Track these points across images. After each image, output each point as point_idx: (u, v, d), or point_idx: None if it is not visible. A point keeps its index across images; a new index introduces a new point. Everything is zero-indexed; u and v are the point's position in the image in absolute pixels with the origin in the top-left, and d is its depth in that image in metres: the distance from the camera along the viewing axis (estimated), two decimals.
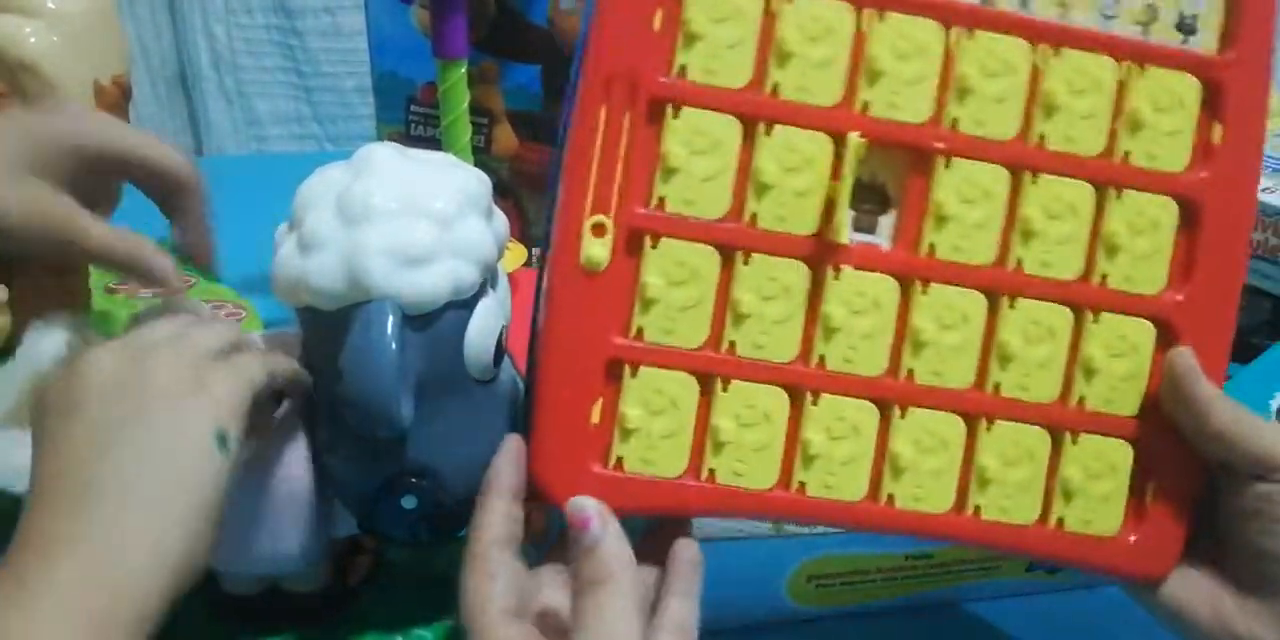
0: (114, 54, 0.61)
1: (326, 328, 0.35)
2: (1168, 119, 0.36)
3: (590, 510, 0.32)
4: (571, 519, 0.32)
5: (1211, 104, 0.37)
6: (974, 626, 0.47)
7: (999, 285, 0.36)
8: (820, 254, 0.35)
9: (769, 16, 0.34)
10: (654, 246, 0.34)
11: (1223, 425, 0.35)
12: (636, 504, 0.35)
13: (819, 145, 0.35)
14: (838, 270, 0.35)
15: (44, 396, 0.31)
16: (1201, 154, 0.37)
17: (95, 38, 0.60)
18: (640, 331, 0.35)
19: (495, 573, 0.31)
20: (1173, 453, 0.37)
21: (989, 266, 0.36)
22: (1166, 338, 0.37)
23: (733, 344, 0.35)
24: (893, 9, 0.35)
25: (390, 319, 0.33)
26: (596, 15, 0.34)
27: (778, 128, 0.35)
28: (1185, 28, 0.37)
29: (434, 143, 0.68)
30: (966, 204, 0.36)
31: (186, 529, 0.30)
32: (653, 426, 0.35)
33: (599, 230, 0.34)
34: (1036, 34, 0.36)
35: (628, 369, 0.35)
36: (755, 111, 0.34)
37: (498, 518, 0.33)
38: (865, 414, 0.36)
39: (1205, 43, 0.37)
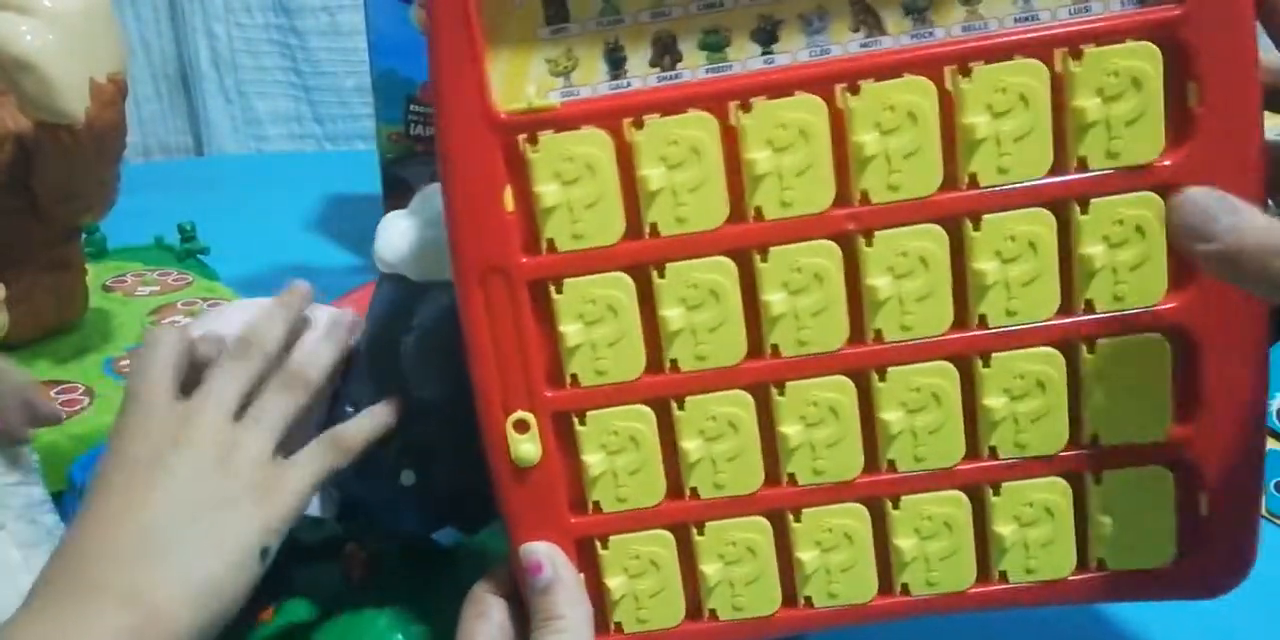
0: (111, 52, 0.61)
1: (407, 295, 0.38)
2: (1122, 105, 0.31)
3: (541, 555, 0.34)
4: (525, 563, 0.34)
5: (1177, 67, 0.31)
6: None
7: (965, 350, 0.33)
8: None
9: (624, 151, 0.32)
10: (583, 423, 0.34)
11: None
12: None
13: (719, 271, 0.33)
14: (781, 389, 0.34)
15: (136, 423, 0.35)
16: (1177, 129, 0.32)
17: (92, 36, 0.59)
18: (597, 505, 0.34)
19: (487, 613, 0.34)
20: (1222, 456, 0.34)
21: (946, 334, 0.33)
22: (1185, 347, 0.33)
23: (695, 490, 0.35)
24: (758, 95, 0.32)
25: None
26: (449, 213, 0.33)
27: (670, 267, 0.32)
28: None
29: (432, 141, 0.67)
30: (901, 278, 0.32)
31: (208, 619, 0.33)
32: (638, 588, 0.35)
33: (522, 427, 0.34)
34: (935, 61, 0.31)
35: (597, 543, 0.35)
36: (639, 259, 0.33)
37: (502, 574, 0.36)
38: (853, 518, 0.35)
39: None
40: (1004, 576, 0.35)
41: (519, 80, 0.32)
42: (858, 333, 0.33)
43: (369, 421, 0.38)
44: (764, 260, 0.33)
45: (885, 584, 0.35)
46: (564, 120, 0.32)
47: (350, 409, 0.39)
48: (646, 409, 0.34)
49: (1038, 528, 0.35)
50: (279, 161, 1.18)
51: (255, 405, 0.36)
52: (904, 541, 0.35)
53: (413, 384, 0.38)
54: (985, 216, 0.32)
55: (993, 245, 0.32)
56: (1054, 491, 0.35)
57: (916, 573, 0.35)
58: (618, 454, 0.34)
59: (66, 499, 0.47)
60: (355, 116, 1.20)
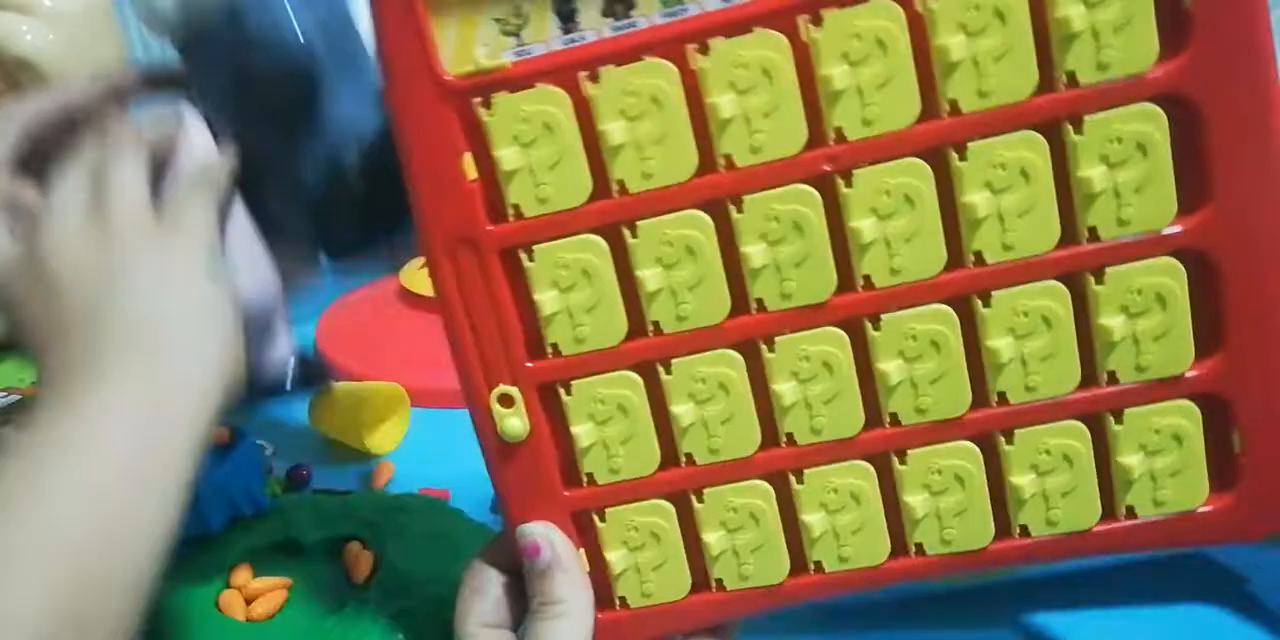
0: (110, 51, 0.61)
1: (216, 30, 0.35)
2: (1109, 9, 0.29)
3: (539, 536, 0.33)
4: (522, 545, 0.33)
5: None
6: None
7: (963, 290, 0.31)
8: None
9: (583, 107, 0.31)
10: (569, 393, 0.33)
11: None
12: (656, 632, 0.35)
13: (694, 226, 0.31)
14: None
15: (12, 277, 0.33)
16: (1172, 32, 0.29)
17: (92, 35, 0.60)
18: (590, 477, 0.33)
19: (483, 589, 0.33)
20: (1253, 388, 0.32)
21: (940, 275, 0.31)
22: (1202, 271, 0.31)
23: (690, 456, 0.33)
24: (716, 35, 0.30)
25: None
26: (411, 186, 0.31)
27: (641, 225, 0.31)
28: None
29: None
30: (886, 219, 0.31)
31: (217, 349, 0.32)
32: (640, 561, 0.34)
33: (506, 401, 0.33)
34: None
35: (594, 516, 0.34)
36: (609, 219, 0.31)
37: (500, 548, 0.35)
38: (858, 477, 0.33)
39: None
40: (1025, 531, 0.33)
41: (469, 44, 0.31)
42: (845, 280, 0.32)
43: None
44: (739, 211, 0.31)
45: (898, 545, 0.34)
46: (516, 79, 0.31)
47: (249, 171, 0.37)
48: (633, 375, 0.33)
49: (1057, 476, 0.33)
50: None
51: (96, 172, 0.34)
52: (914, 498, 0.33)
53: (280, 54, 0.35)
54: (970, 145, 0.30)
55: (981, 176, 0.30)
56: (1072, 436, 0.32)
57: (930, 531, 0.33)
58: (607, 423, 0.33)
59: None
60: None
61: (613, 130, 0.30)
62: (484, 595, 0.33)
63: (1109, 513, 0.33)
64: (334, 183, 0.37)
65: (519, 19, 0.31)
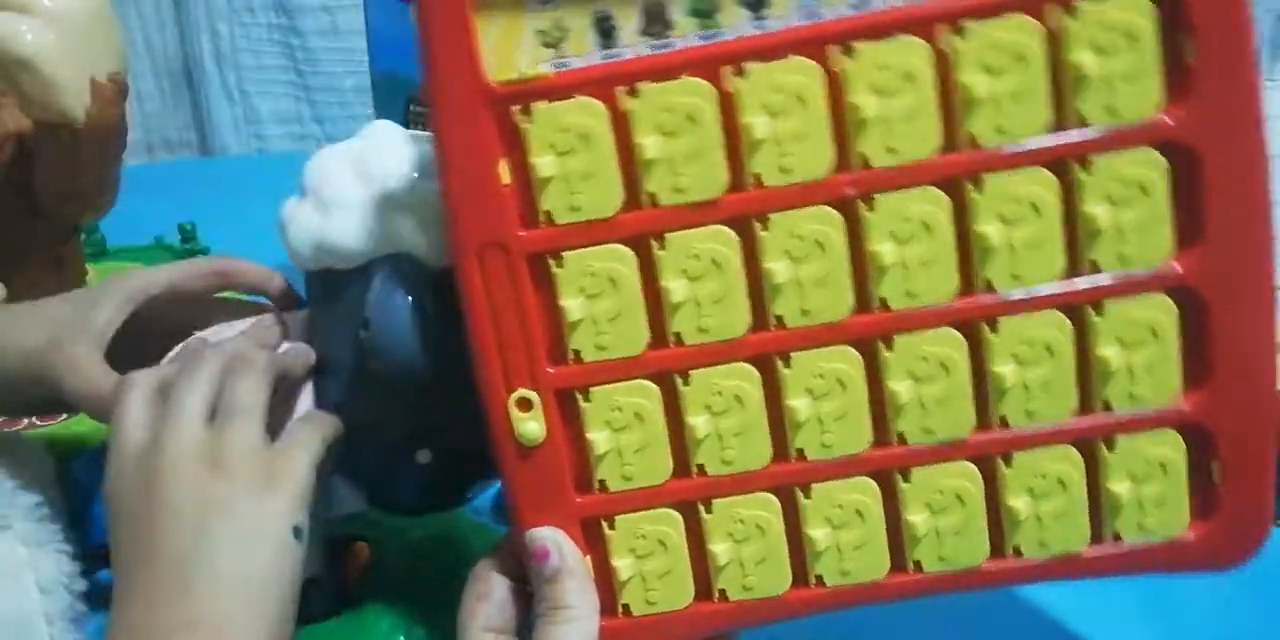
0: (110, 52, 0.61)
1: (344, 287, 0.37)
2: (1118, 60, 0.31)
3: (548, 542, 0.33)
4: (531, 549, 0.33)
5: (1173, 19, 0.31)
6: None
7: (972, 316, 0.33)
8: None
9: (619, 120, 0.32)
10: (587, 400, 0.33)
11: None
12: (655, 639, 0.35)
13: (721, 241, 0.32)
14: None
15: (121, 472, 0.34)
16: (1176, 85, 0.31)
17: (92, 35, 0.60)
18: (603, 484, 0.34)
19: (488, 594, 0.34)
20: (1234, 422, 0.33)
21: (953, 301, 0.32)
22: (1193, 310, 0.33)
23: (702, 467, 0.34)
24: (751, 60, 0.31)
25: (411, 269, 0.36)
26: (445, 188, 0.32)
27: (670, 237, 0.32)
28: None
29: None
30: (905, 244, 0.32)
31: (277, 612, 0.33)
32: (646, 569, 0.34)
33: (525, 405, 0.33)
34: (928, 20, 0.31)
35: (603, 523, 0.34)
36: (639, 230, 0.32)
37: (505, 553, 0.35)
38: (864, 493, 0.34)
39: None
40: (1018, 551, 0.34)
41: (510, 52, 0.32)
42: (863, 302, 0.33)
43: None
44: (765, 228, 0.32)
45: (898, 561, 0.35)
46: (557, 89, 0.32)
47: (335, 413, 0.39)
48: (651, 384, 0.33)
49: (1051, 500, 0.34)
50: (280, 163, 1.17)
51: (221, 399, 0.35)
52: (916, 516, 0.34)
53: (396, 370, 0.36)
54: (987, 178, 0.32)
55: (996, 208, 0.32)
56: (1066, 462, 0.34)
57: (930, 548, 0.34)
58: (623, 431, 0.33)
59: (68, 499, 0.46)
60: (355, 117, 1.19)
61: (648, 144, 0.31)
62: (488, 600, 0.34)
63: (1097, 537, 0.35)
64: (398, 458, 0.39)
65: (560, 32, 0.32)
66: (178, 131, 1.27)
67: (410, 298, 0.36)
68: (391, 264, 0.36)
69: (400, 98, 0.77)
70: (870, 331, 0.33)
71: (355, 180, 0.37)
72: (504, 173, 0.32)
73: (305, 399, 0.39)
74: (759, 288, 0.33)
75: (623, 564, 0.34)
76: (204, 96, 1.23)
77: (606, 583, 0.34)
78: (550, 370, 0.33)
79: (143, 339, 0.40)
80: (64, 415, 0.53)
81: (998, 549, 0.35)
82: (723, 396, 0.33)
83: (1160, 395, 0.33)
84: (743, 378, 0.33)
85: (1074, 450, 0.34)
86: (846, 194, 0.32)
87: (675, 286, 0.32)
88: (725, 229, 0.32)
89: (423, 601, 0.41)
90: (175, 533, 0.32)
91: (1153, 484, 0.34)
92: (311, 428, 0.37)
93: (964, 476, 0.34)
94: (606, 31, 0.32)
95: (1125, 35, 0.31)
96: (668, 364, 0.33)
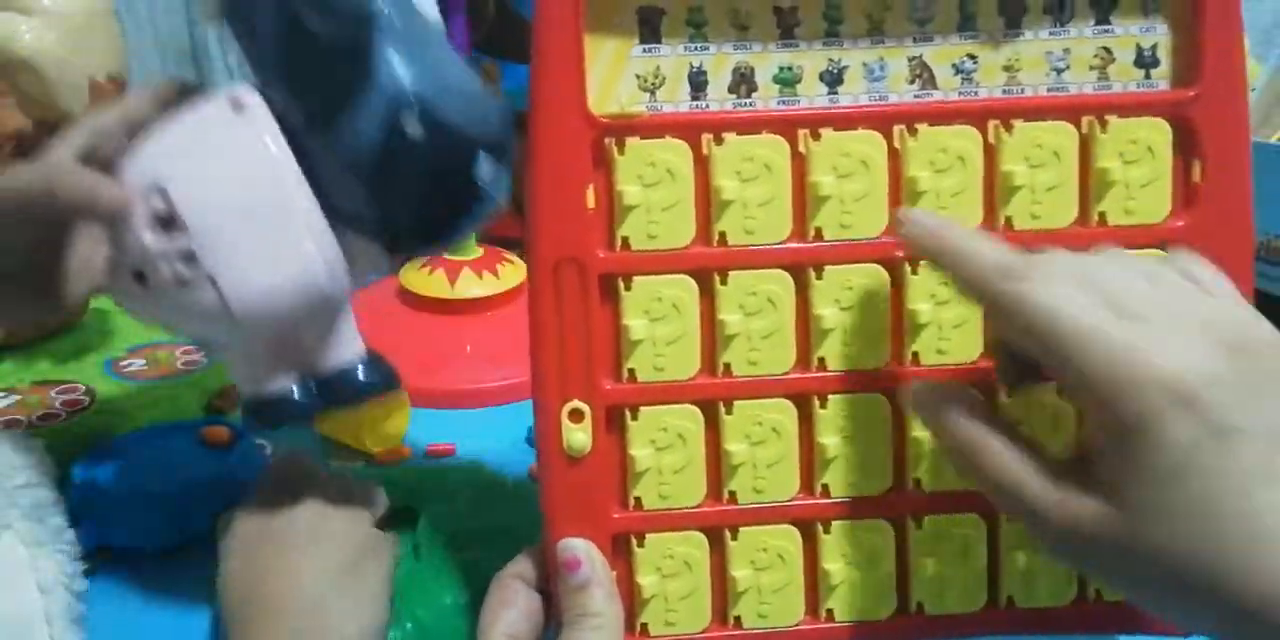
0: (110, 52, 0.60)
1: None
2: (1139, 170, 0.35)
3: (579, 552, 0.34)
4: (561, 558, 0.34)
5: (1185, 143, 0.36)
6: None
7: (989, 374, 0.35)
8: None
9: (701, 164, 0.35)
10: (635, 418, 0.35)
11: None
12: None
13: (779, 283, 0.35)
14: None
15: (258, 525, 0.39)
16: (1183, 199, 0.36)
17: (92, 35, 0.59)
18: (639, 501, 0.35)
19: (512, 601, 0.34)
20: None
21: (979, 360, 0.36)
22: None
23: (734, 494, 0.36)
24: (828, 127, 0.35)
25: None
26: (532, 204, 0.35)
27: (733, 274, 0.35)
28: (1146, 61, 0.36)
29: None
30: (941, 305, 0.35)
31: None
32: (669, 589, 0.36)
33: (576, 416, 0.35)
34: (983, 115, 0.35)
35: (633, 540, 0.35)
36: (706, 264, 0.35)
37: (529, 562, 0.36)
38: (880, 535, 0.36)
39: (1166, 73, 0.36)
40: (1012, 603, 0.37)
41: (612, 88, 0.35)
42: (897, 354, 0.36)
43: None
44: (819, 277, 0.35)
45: (903, 602, 0.37)
46: (651, 128, 0.35)
47: (309, 137, 0.37)
48: (696, 409, 0.35)
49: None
50: None
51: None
52: (923, 560, 0.36)
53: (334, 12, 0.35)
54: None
55: None
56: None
57: (933, 591, 0.36)
58: (665, 451, 0.35)
59: (68, 499, 0.46)
60: None
61: (727, 187, 0.34)
62: (512, 607, 0.34)
63: (1082, 593, 0.37)
64: (390, 149, 0.36)
65: (657, 79, 0.35)
66: None
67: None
68: None
69: None
70: (903, 381, 0.36)
71: None
72: (590, 197, 0.35)
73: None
74: (807, 330, 0.35)
75: (647, 582, 0.35)
76: (209, 74, 1.27)
77: (629, 600, 0.35)
78: (606, 386, 0.35)
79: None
80: (63, 415, 0.53)
81: (993, 597, 0.37)
82: (761, 427, 0.35)
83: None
84: (782, 412, 0.36)
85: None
86: (895, 255, 0.35)
87: (731, 320, 0.35)
88: (784, 273, 0.35)
89: (467, 562, 0.43)
90: (311, 572, 0.38)
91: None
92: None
93: (970, 525, 0.36)
94: (698, 85, 0.35)
95: (1147, 149, 0.35)
96: (715, 392, 0.35)
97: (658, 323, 0.35)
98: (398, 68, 0.35)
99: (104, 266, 0.38)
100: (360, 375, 0.41)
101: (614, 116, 0.34)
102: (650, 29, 0.35)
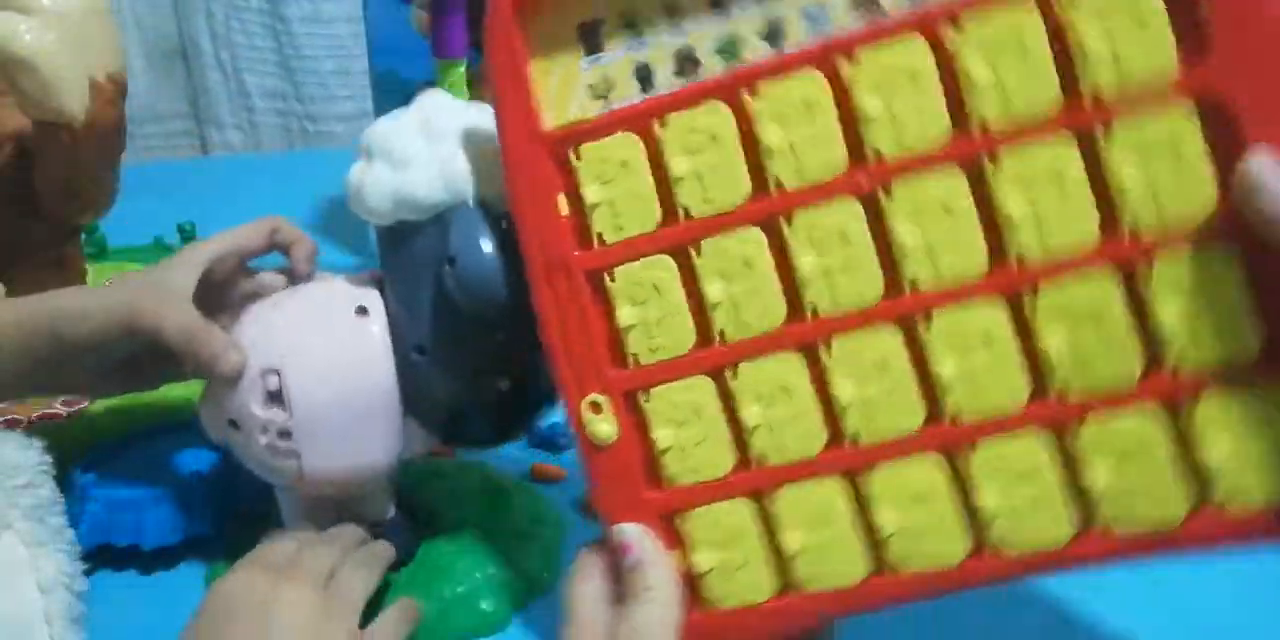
0: (110, 51, 0.60)
1: (421, 235, 0.43)
2: (1122, 38, 0.31)
3: (629, 537, 0.36)
4: (615, 544, 0.36)
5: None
6: None
7: (1009, 288, 0.33)
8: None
9: (653, 148, 0.36)
10: (648, 400, 0.36)
11: None
12: (743, 635, 0.36)
13: (750, 242, 0.35)
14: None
15: (227, 601, 0.40)
16: (1193, 37, 0.31)
17: (91, 35, 0.59)
18: (672, 479, 0.36)
19: (593, 577, 0.36)
20: None
21: (985, 275, 0.33)
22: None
23: (762, 457, 0.35)
24: (766, 78, 0.34)
25: (485, 212, 0.42)
26: (518, 220, 0.37)
27: (704, 243, 0.35)
28: None
29: None
30: (928, 226, 0.33)
31: None
32: (724, 561, 0.35)
33: (595, 408, 0.36)
34: (930, 22, 0.33)
35: (678, 519, 0.36)
36: (677, 240, 0.36)
37: (602, 541, 0.37)
38: (930, 472, 0.34)
39: None
40: (1108, 529, 0.32)
41: (567, 104, 0.37)
42: (893, 284, 0.34)
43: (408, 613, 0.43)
44: (790, 224, 0.34)
45: (975, 544, 0.34)
46: (600, 129, 0.37)
47: (417, 355, 0.43)
48: (705, 380, 0.36)
49: (1134, 464, 0.32)
50: (279, 162, 1.20)
51: (340, 581, 0.41)
52: (988, 496, 0.33)
53: (482, 301, 0.41)
54: (1003, 156, 0.33)
55: (1022, 178, 0.32)
56: (1146, 426, 0.32)
57: (1006, 529, 0.33)
58: (683, 426, 0.36)
59: (68, 499, 0.46)
60: (332, 98, 1.34)
61: (675, 163, 0.35)
62: (593, 582, 0.36)
63: (1195, 506, 0.32)
64: (480, 387, 0.44)
65: (607, 85, 0.37)
66: (170, 104, 1.38)
67: (492, 234, 0.41)
68: (468, 208, 0.42)
69: (400, 98, 0.77)
70: (907, 312, 0.34)
71: (422, 139, 0.42)
72: (563, 204, 0.37)
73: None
74: (792, 281, 0.35)
75: (701, 558, 0.35)
76: (199, 72, 1.35)
77: (688, 577, 0.36)
78: (614, 374, 0.36)
79: (216, 300, 0.45)
80: (63, 415, 0.53)
81: (1085, 524, 0.33)
82: (771, 386, 0.35)
83: (1237, 351, 0.31)
84: (788, 367, 0.35)
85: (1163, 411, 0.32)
86: (862, 185, 0.34)
87: (714, 288, 0.35)
88: (753, 230, 0.35)
89: (465, 557, 0.47)
90: None
91: (1257, 440, 0.31)
92: (395, 620, 0.42)
93: (1032, 451, 0.33)
94: (645, 79, 0.37)
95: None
96: (716, 360, 0.35)
97: (644, 306, 0.36)
98: (507, 337, 0.42)
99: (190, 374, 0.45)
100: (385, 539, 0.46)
101: (563, 128, 0.37)
102: (592, 41, 0.37)
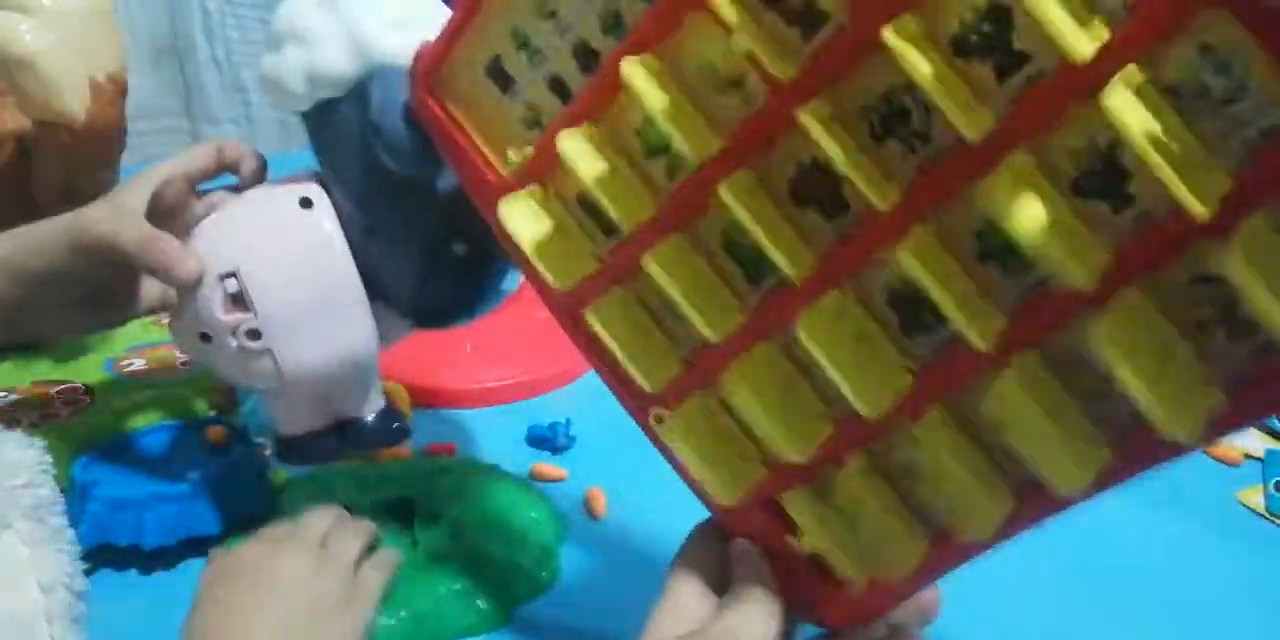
0: (110, 52, 0.60)
1: (342, 110, 0.42)
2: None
3: (743, 551, 0.36)
4: (733, 555, 0.36)
5: None
6: None
7: None
8: None
9: (566, 172, 0.35)
10: (676, 417, 0.36)
11: None
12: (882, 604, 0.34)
13: (676, 250, 0.34)
14: None
15: (226, 567, 0.41)
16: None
17: (91, 35, 0.59)
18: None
19: (700, 556, 0.36)
20: None
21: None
22: None
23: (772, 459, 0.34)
24: (655, 42, 0.32)
25: (400, 75, 0.40)
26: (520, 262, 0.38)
27: (645, 263, 0.34)
28: None
29: None
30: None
31: None
32: (835, 535, 0.34)
33: (659, 420, 0.36)
34: None
35: (782, 502, 0.35)
36: (616, 270, 0.36)
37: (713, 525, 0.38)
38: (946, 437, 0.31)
39: None
40: None
41: (514, 139, 0.38)
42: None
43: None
44: (705, 217, 0.34)
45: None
46: (538, 159, 0.36)
47: (368, 237, 0.43)
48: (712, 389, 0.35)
49: None
50: (278, 162, 1.18)
51: (334, 542, 0.44)
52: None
53: (411, 162, 0.41)
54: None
55: None
56: None
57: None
58: (713, 434, 0.35)
59: (68, 499, 0.47)
60: None
61: (588, 181, 0.34)
62: (699, 570, 0.36)
63: None
64: (436, 255, 0.44)
65: (533, 111, 0.37)
66: (162, 100, 1.36)
67: (402, 91, 0.39)
68: (383, 73, 0.40)
69: None
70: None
71: (323, 12, 0.41)
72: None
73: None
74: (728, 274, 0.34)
75: (814, 539, 0.34)
76: (193, 68, 1.34)
77: (811, 559, 0.34)
78: (635, 395, 0.37)
79: (169, 226, 0.44)
80: (63, 415, 0.53)
81: None
82: (761, 380, 0.33)
83: None
84: (773, 360, 0.33)
85: None
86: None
87: (675, 297, 0.34)
88: (677, 237, 0.34)
89: (463, 554, 0.48)
90: (278, 608, 0.40)
91: None
92: (386, 561, 0.44)
93: None
94: (562, 91, 0.36)
95: None
96: (703, 370, 0.35)
97: (624, 336, 0.36)
98: (451, 200, 0.41)
99: (156, 298, 0.47)
100: (377, 427, 0.48)
101: (513, 170, 0.37)
102: (502, 78, 0.37)
